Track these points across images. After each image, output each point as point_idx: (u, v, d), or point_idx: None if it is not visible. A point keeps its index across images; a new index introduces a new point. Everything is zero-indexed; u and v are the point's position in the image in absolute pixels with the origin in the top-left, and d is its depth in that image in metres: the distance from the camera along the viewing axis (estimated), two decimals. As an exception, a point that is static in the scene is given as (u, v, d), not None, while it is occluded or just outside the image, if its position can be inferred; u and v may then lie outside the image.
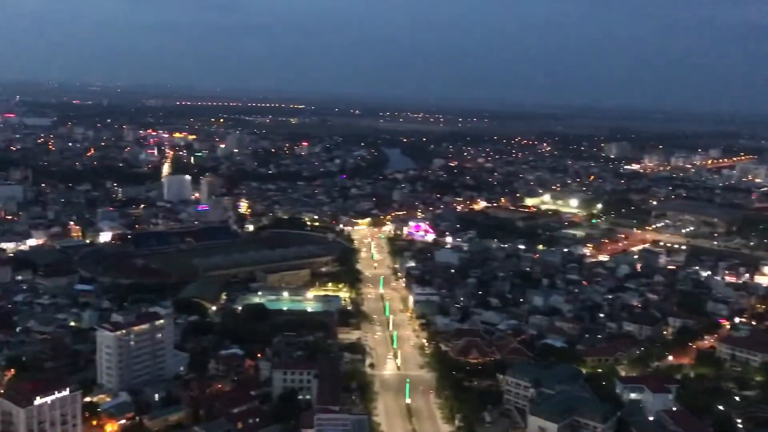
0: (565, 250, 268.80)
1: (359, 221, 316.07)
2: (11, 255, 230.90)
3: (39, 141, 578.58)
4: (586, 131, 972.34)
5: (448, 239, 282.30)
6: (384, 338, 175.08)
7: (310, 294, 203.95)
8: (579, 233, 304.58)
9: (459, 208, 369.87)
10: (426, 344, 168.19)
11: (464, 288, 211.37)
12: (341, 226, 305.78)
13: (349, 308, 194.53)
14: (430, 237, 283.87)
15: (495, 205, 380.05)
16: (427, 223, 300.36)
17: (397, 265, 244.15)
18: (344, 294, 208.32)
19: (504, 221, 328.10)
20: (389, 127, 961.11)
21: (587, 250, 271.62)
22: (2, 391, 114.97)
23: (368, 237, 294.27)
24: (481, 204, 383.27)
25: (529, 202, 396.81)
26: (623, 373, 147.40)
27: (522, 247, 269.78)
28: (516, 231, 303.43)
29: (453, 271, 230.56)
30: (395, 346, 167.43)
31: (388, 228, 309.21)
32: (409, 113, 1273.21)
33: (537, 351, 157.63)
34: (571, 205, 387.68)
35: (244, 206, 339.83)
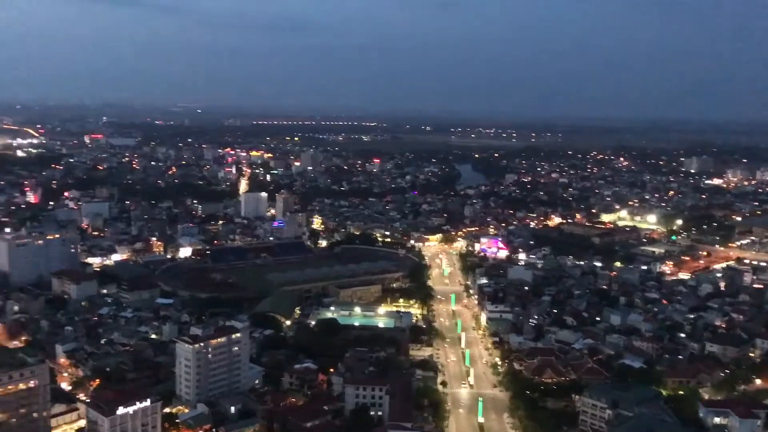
0: (644, 267, 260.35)
1: (430, 237, 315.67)
2: (97, 269, 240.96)
3: (124, 160, 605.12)
4: (664, 145, 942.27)
5: (522, 256, 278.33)
6: (456, 356, 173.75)
7: (382, 310, 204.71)
8: (658, 250, 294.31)
9: (532, 224, 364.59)
10: (499, 363, 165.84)
11: (538, 306, 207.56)
12: (412, 242, 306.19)
13: (420, 325, 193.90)
14: (503, 253, 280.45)
15: (570, 221, 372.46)
16: (500, 239, 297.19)
17: (469, 282, 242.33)
18: (416, 310, 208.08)
19: (579, 238, 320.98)
20: (461, 143, 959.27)
21: (667, 268, 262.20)
22: (89, 400, 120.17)
23: (439, 253, 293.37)
24: (556, 220, 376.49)
25: (606, 218, 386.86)
26: (706, 397, 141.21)
27: (598, 264, 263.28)
28: (592, 248, 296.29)
29: (527, 288, 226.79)
30: (468, 364, 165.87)
31: (460, 244, 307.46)
32: (481, 129, 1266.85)
33: (614, 371, 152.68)
34: (650, 222, 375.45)
35: (317, 222, 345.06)
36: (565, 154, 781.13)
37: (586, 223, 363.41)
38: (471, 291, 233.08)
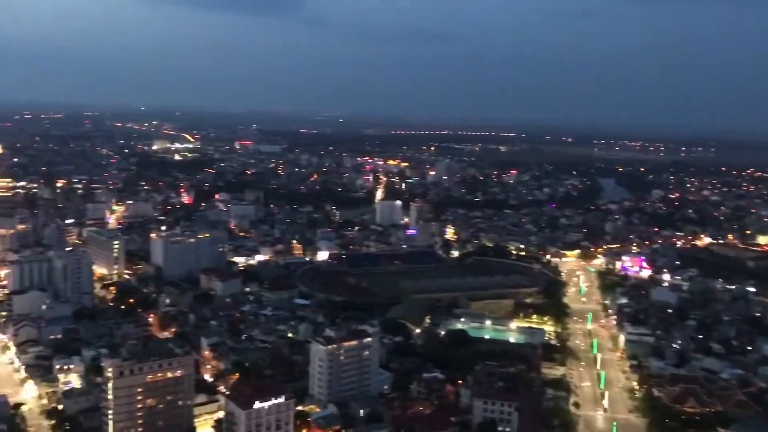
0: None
1: (568, 253, 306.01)
2: (242, 268, 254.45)
3: (270, 166, 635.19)
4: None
5: (666, 276, 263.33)
6: (590, 377, 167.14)
7: (514, 324, 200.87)
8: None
9: (679, 243, 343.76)
10: (637, 387, 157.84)
11: (682, 330, 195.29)
12: (548, 256, 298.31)
13: (553, 342, 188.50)
14: (646, 273, 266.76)
15: (721, 241, 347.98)
16: (643, 257, 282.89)
17: (607, 301, 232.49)
18: (549, 327, 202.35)
19: (731, 260, 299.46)
20: (604, 156, 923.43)
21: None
22: (228, 393, 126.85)
23: (577, 270, 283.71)
24: (705, 240, 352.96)
25: (762, 240, 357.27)
26: None
27: (752, 289, 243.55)
28: (745, 271, 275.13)
29: (670, 311, 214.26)
30: (602, 387, 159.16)
31: (599, 261, 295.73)
32: (626, 141, 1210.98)
33: (767, 406, 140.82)
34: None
35: (450, 232, 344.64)
36: (718, 171, 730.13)
37: (740, 245, 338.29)
38: (609, 311, 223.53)
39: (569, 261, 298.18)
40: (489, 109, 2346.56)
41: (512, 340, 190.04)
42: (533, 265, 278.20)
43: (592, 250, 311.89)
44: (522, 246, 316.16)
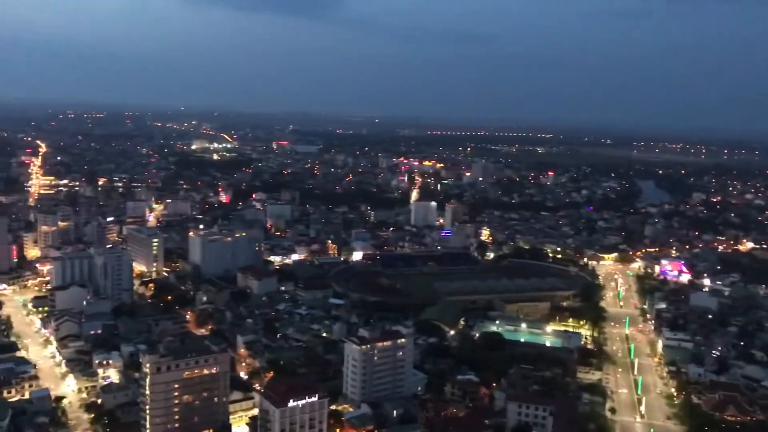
0: None
1: (605, 256, 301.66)
2: (278, 267, 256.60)
3: (306, 166, 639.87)
4: None
5: (706, 281, 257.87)
6: (627, 383, 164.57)
7: (549, 328, 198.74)
8: None
9: (720, 248, 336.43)
10: (675, 394, 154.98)
11: (723, 336, 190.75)
12: (585, 259, 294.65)
13: (590, 347, 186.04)
14: (685, 278, 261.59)
15: (765, 246, 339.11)
16: (683, 262, 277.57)
17: (645, 306, 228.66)
18: (585, 331, 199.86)
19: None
20: (643, 158, 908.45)
21: None
22: (263, 391, 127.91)
23: (614, 273, 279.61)
24: (748, 245, 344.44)
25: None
26: None
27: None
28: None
29: (710, 316, 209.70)
30: (639, 393, 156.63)
31: (637, 265, 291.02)
32: (667, 143, 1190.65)
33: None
34: None
35: (485, 234, 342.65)
36: (762, 174, 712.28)
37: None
38: (647, 315, 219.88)
39: (607, 264, 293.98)
40: (526, 110, 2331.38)
41: (548, 343, 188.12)
42: (570, 268, 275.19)
43: (630, 253, 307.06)
44: (558, 248, 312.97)
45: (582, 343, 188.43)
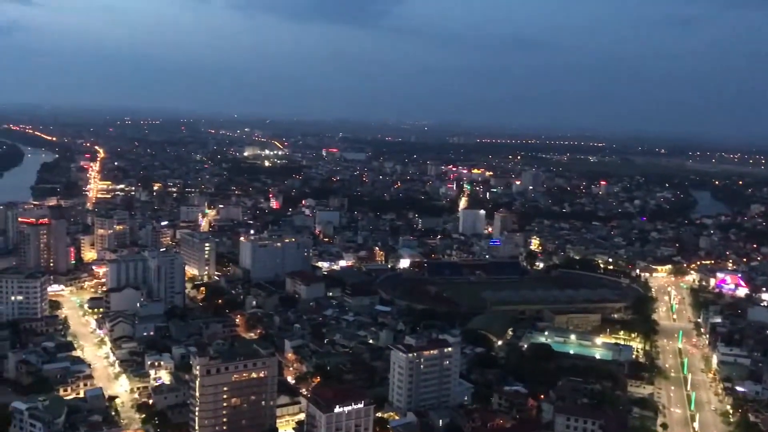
0: None
1: (658, 268, 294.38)
2: (325, 273, 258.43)
3: (355, 173, 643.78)
4: None
5: (765, 296, 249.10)
6: (680, 398, 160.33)
7: (599, 340, 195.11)
8: None
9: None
10: (730, 411, 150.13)
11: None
12: (637, 271, 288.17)
13: (641, 360, 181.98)
14: (742, 291, 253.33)
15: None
16: (740, 275, 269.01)
17: (699, 320, 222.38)
18: (637, 344, 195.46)
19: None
20: (699, 168, 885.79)
21: None
22: (309, 396, 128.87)
23: (667, 286, 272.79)
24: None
25: None
26: None
27: None
28: None
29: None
30: (692, 409, 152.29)
31: (692, 277, 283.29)
32: (724, 153, 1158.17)
33: None
34: None
35: (535, 243, 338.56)
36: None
37: None
38: (701, 329, 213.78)
39: (659, 276, 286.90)
40: (579, 118, 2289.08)
41: (598, 356, 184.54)
42: (621, 279, 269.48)
43: (684, 265, 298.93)
44: (610, 259, 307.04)
45: (633, 356, 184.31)
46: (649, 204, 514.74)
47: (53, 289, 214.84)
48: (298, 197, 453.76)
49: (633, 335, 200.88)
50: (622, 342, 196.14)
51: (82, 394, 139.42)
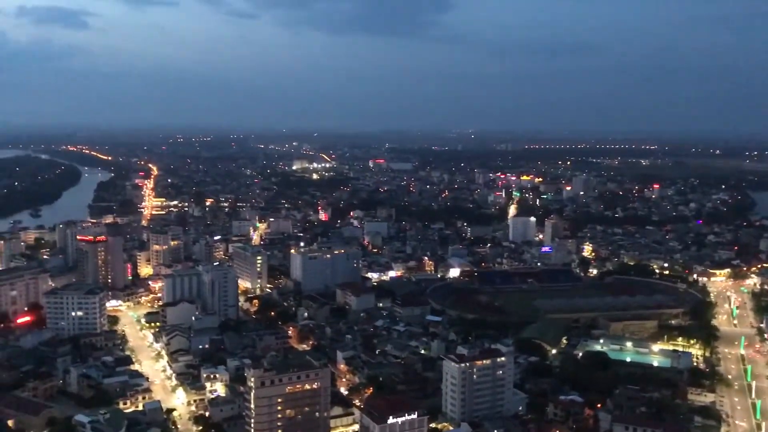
0: None
1: (717, 272, 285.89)
2: (375, 284, 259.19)
3: (402, 183, 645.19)
4: None
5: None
6: (744, 406, 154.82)
7: (657, 347, 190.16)
8: None
9: None
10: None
11: None
12: (695, 276, 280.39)
13: (701, 367, 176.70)
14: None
15: None
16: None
17: (762, 325, 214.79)
18: (696, 351, 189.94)
19: None
20: (757, 168, 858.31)
21: None
22: (363, 407, 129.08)
23: (727, 290, 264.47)
24: None
25: None
26: None
27: None
28: None
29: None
30: (758, 417, 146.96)
31: (753, 281, 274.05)
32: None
33: None
34: None
35: (587, 250, 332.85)
36: None
37: None
38: (765, 335, 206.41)
39: (718, 281, 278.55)
40: (629, 121, 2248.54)
41: (655, 363, 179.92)
42: (678, 284, 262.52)
43: (744, 269, 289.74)
44: (666, 264, 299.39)
45: (693, 363, 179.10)
46: (704, 206, 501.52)
47: (111, 304, 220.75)
48: (347, 209, 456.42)
49: (692, 342, 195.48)
50: (680, 349, 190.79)
51: (141, 407, 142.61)
